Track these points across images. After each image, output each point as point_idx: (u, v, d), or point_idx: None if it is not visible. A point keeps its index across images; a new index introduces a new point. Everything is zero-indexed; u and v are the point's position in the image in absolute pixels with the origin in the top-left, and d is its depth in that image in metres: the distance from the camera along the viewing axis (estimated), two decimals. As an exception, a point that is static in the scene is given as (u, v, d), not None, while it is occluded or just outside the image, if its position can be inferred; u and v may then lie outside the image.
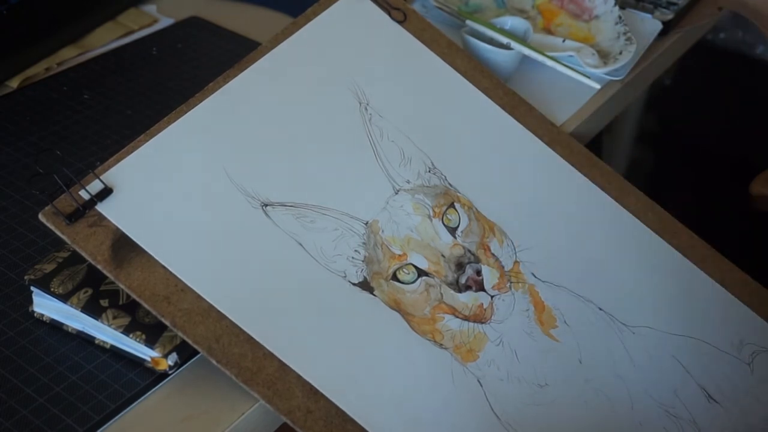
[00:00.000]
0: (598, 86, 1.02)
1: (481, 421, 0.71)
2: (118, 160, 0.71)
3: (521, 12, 1.12)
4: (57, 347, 0.71)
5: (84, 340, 0.72)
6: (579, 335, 0.78)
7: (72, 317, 0.71)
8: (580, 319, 0.79)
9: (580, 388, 0.75)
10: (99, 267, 0.66)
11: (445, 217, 0.79)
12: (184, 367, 0.70)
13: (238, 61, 0.81)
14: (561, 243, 0.83)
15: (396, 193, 0.79)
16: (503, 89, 0.92)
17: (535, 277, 0.79)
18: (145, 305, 0.66)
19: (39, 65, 1.04)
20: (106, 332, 0.70)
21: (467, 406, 0.71)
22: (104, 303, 0.70)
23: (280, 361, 0.67)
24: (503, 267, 0.79)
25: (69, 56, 1.07)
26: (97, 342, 0.71)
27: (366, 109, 0.83)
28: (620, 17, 1.10)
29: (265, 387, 0.66)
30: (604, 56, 1.06)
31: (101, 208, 0.68)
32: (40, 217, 0.66)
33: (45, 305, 0.72)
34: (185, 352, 0.70)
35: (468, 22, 1.03)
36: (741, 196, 1.38)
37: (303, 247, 0.73)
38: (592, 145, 0.98)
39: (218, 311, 0.67)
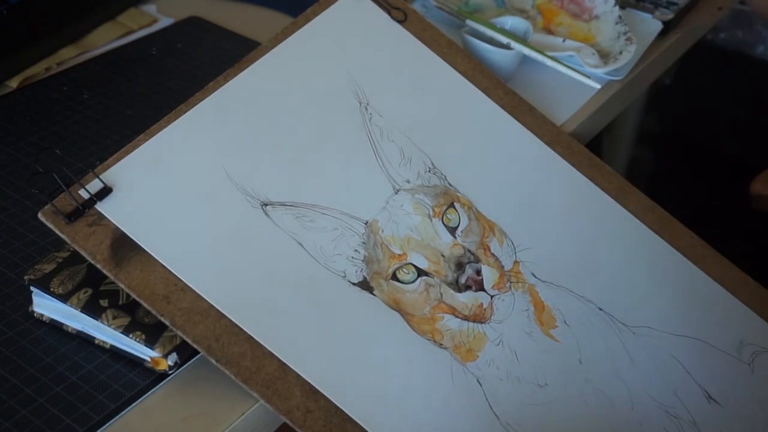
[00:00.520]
0: (598, 86, 1.02)
1: (481, 421, 0.71)
2: (118, 160, 0.71)
3: (521, 12, 1.12)
4: (57, 347, 0.71)
5: (84, 340, 0.72)
6: (579, 335, 0.78)
7: (72, 317, 0.71)
8: (580, 319, 0.79)
9: (580, 388, 0.75)
10: (98, 266, 0.66)
11: (445, 217, 0.79)
12: (184, 367, 0.70)
13: (238, 61, 0.81)
14: (561, 243, 0.83)
15: (396, 193, 0.79)
16: (503, 89, 0.92)
17: (535, 277, 0.79)
18: (145, 304, 0.66)
19: (39, 65, 1.04)
20: (105, 332, 0.70)
21: (467, 406, 0.71)
22: (104, 303, 0.70)
23: (279, 360, 0.67)
24: (503, 267, 0.79)
25: (69, 56, 1.07)
26: (96, 342, 0.71)
27: (366, 108, 0.83)
28: (620, 17, 1.10)
29: (265, 386, 0.66)
30: (604, 56, 1.06)
31: (101, 207, 0.68)
32: (40, 216, 0.66)
33: (45, 305, 0.72)
34: (185, 352, 0.70)
35: (468, 21, 1.03)
36: (741, 196, 1.38)
37: (303, 247, 0.73)
38: (592, 145, 0.98)
39: (218, 310, 0.67)
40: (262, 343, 0.67)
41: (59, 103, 0.99)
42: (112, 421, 0.66)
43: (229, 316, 0.67)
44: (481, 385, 0.72)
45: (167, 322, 0.66)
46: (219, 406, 0.68)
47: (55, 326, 0.72)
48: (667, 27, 1.14)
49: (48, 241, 0.80)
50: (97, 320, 0.70)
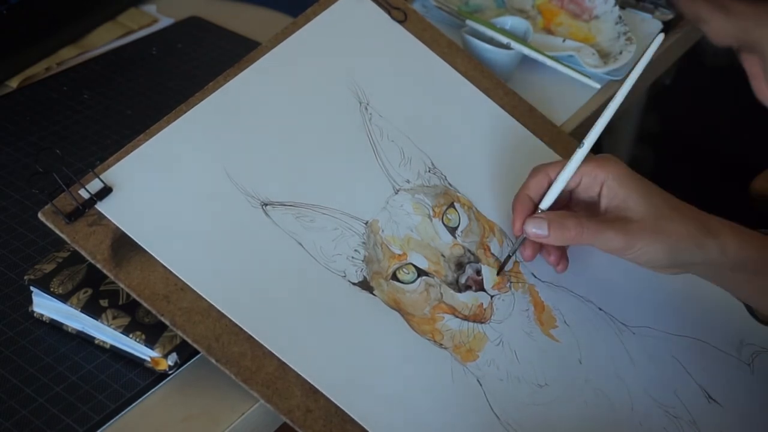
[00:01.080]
0: (598, 86, 1.02)
1: (481, 421, 0.71)
2: (118, 160, 0.71)
3: (521, 12, 1.12)
4: (57, 347, 0.71)
5: (84, 340, 0.72)
6: (579, 335, 0.78)
7: (72, 317, 0.71)
8: (580, 319, 0.79)
9: (580, 388, 0.75)
10: (98, 266, 0.66)
11: (445, 217, 0.79)
12: (183, 367, 0.70)
13: (238, 61, 0.81)
14: (561, 243, 0.83)
15: (396, 193, 0.79)
16: (503, 89, 0.92)
17: (535, 277, 0.79)
18: (145, 304, 0.66)
19: (39, 65, 1.04)
20: (105, 332, 0.70)
21: (467, 406, 0.71)
22: (104, 303, 0.70)
23: (279, 360, 0.67)
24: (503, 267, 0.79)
25: (69, 56, 1.07)
26: (96, 342, 0.71)
27: (366, 108, 0.83)
28: (620, 17, 1.10)
29: (265, 386, 0.66)
30: (604, 56, 1.06)
31: (101, 207, 0.68)
32: (40, 216, 0.66)
33: (45, 305, 0.72)
34: (185, 352, 0.70)
35: (468, 22, 1.03)
36: (741, 196, 1.38)
37: (303, 247, 0.73)
38: (592, 145, 0.98)
39: (218, 310, 0.67)
40: (262, 342, 0.67)
41: (59, 103, 0.99)
42: (112, 421, 0.66)
43: (229, 316, 0.67)
44: (481, 385, 0.72)
45: (167, 322, 0.66)
46: (219, 406, 0.68)
47: (55, 326, 0.72)
48: (667, 27, 1.15)
49: (48, 241, 0.80)
50: (97, 320, 0.70)
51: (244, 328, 0.67)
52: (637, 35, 1.09)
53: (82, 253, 0.66)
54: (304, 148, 0.79)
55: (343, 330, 0.71)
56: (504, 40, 1.00)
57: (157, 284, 0.67)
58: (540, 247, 0.77)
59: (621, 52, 1.05)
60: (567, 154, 0.90)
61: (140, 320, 0.70)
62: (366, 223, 0.76)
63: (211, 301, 0.67)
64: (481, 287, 0.76)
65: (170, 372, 0.70)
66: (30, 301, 0.73)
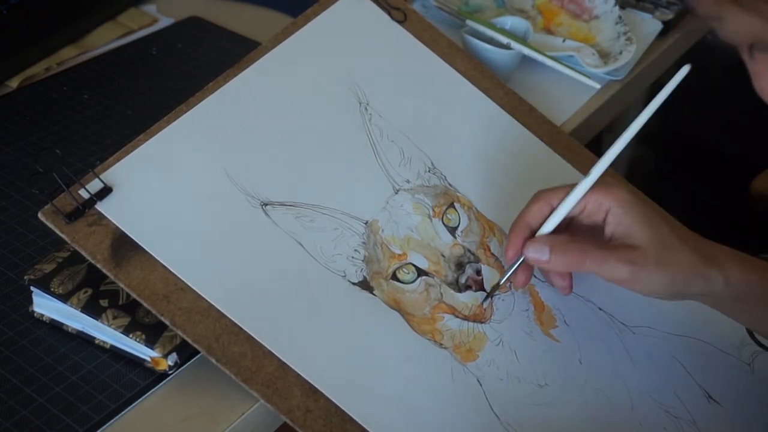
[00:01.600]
0: (598, 86, 1.02)
1: (481, 421, 0.71)
2: (118, 160, 0.71)
3: (521, 12, 1.12)
4: (57, 347, 0.71)
5: (84, 340, 0.72)
6: (579, 335, 0.78)
7: (72, 317, 0.71)
8: (580, 319, 0.79)
9: (580, 388, 0.75)
10: (98, 266, 0.66)
11: (444, 217, 0.79)
12: (184, 367, 0.70)
13: (238, 61, 0.81)
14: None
15: (396, 193, 0.79)
16: (503, 89, 0.92)
17: (535, 277, 0.79)
18: (145, 304, 0.66)
19: (39, 65, 1.04)
20: (106, 332, 0.70)
21: (467, 406, 0.71)
22: (104, 303, 0.70)
23: (279, 360, 0.67)
24: (503, 267, 0.79)
25: (69, 56, 1.07)
26: (97, 342, 0.71)
27: (366, 108, 0.83)
28: (620, 17, 1.10)
29: (265, 386, 0.66)
30: (604, 56, 1.06)
31: (101, 207, 0.68)
32: (40, 216, 0.66)
33: (45, 305, 0.72)
34: (185, 352, 0.70)
35: (468, 22, 1.03)
36: (741, 196, 1.38)
37: (303, 247, 0.73)
38: (592, 145, 0.98)
39: (218, 310, 0.67)
40: (262, 342, 0.67)
41: (59, 103, 0.99)
42: (112, 421, 0.66)
43: (229, 316, 0.67)
44: (481, 384, 0.72)
45: (167, 322, 0.66)
46: (219, 406, 0.68)
47: (55, 326, 0.72)
48: (667, 27, 1.15)
49: (48, 241, 0.80)
50: (97, 320, 0.70)
51: (244, 328, 0.67)
52: (637, 35, 1.09)
53: (82, 253, 0.66)
54: (304, 148, 0.79)
55: (343, 330, 0.71)
56: (504, 40, 1.00)
57: (157, 284, 0.67)
58: (531, 274, 0.75)
59: (621, 52, 1.05)
60: (567, 154, 0.90)
61: (140, 320, 0.70)
62: (366, 223, 0.76)
63: (211, 301, 0.67)
64: (481, 287, 0.76)
65: (170, 372, 0.70)
66: (30, 301, 0.73)
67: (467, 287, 0.76)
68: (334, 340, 0.70)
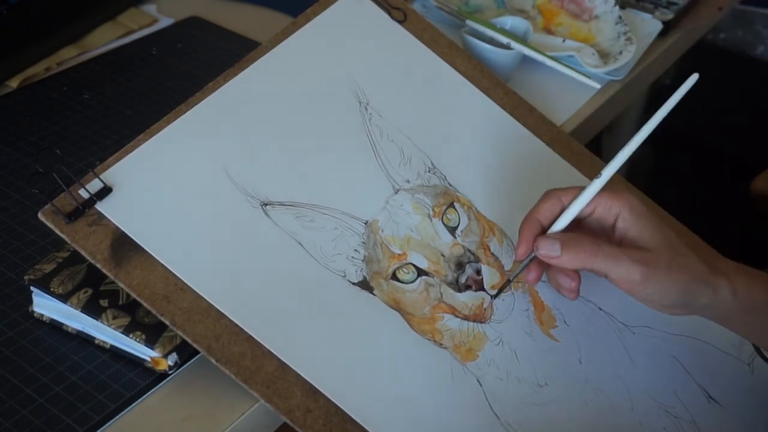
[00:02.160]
0: (598, 86, 1.02)
1: (481, 421, 0.71)
2: (118, 160, 0.71)
3: (521, 12, 1.12)
4: (57, 347, 0.71)
5: (84, 340, 0.72)
6: (579, 335, 0.78)
7: (72, 317, 0.71)
8: (580, 319, 0.79)
9: (580, 388, 0.75)
10: (98, 266, 0.66)
11: (444, 217, 0.79)
12: (184, 367, 0.70)
13: (238, 61, 0.81)
14: (561, 243, 0.83)
15: (396, 193, 0.79)
16: (503, 89, 0.92)
17: (535, 276, 0.79)
18: (145, 304, 0.66)
19: (39, 65, 1.04)
20: (105, 332, 0.70)
21: (467, 406, 0.71)
22: (104, 303, 0.70)
23: (279, 360, 0.67)
24: (503, 266, 0.79)
25: (69, 56, 1.07)
26: (97, 342, 0.71)
27: (366, 108, 0.83)
28: (620, 17, 1.10)
29: (265, 386, 0.66)
30: (604, 56, 1.06)
31: (101, 207, 0.68)
32: (40, 215, 0.66)
33: (45, 305, 0.72)
34: (185, 352, 0.70)
35: (468, 22, 1.03)
36: (741, 196, 1.38)
37: (302, 247, 0.73)
38: (592, 145, 0.98)
39: (218, 310, 0.67)
40: (262, 342, 0.67)
41: (59, 103, 0.99)
42: (112, 421, 0.66)
43: (229, 316, 0.67)
44: (481, 384, 0.72)
45: (167, 322, 0.66)
46: (219, 406, 0.68)
47: (55, 326, 0.72)
48: (667, 27, 1.15)
49: (48, 241, 0.80)
50: (97, 320, 0.70)
51: (244, 328, 0.67)
52: (637, 35, 1.09)
53: (82, 253, 0.66)
54: (304, 148, 0.79)
55: (343, 330, 0.71)
56: (504, 40, 1.00)
57: (157, 284, 0.67)
58: (542, 271, 0.75)
59: (621, 52, 1.05)
60: (567, 154, 0.90)
61: (140, 320, 0.70)
62: (366, 223, 0.76)
63: (211, 301, 0.67)
64: (481, 287, 0.76)
65: (170, 372, 0.70)
66: (30, 301, 0.73)
67: (467, 287, 0.76)
68: (334, 340, 0.70)
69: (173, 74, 1.05)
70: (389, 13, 0.91)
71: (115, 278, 0.66)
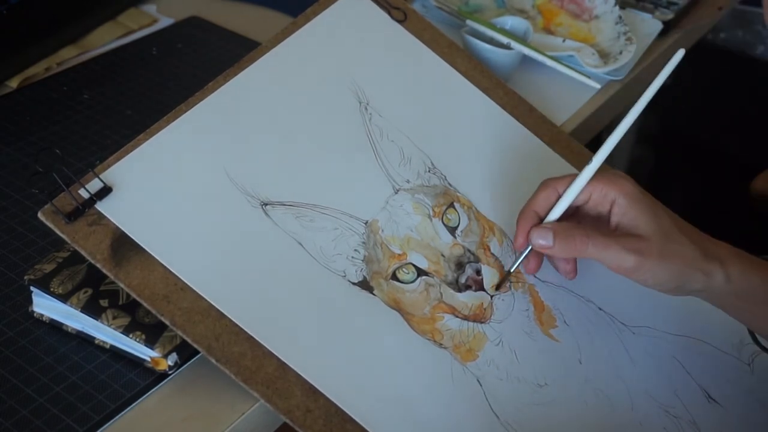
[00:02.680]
0: (598, 86, 1.02)
1: (481, 421, 0.71)
2: (118, 159, 0.71)
3: (521, 12, 1.12)
4: (57, 347, 0.71)
5: (84, 340, 0.72)
6: (579, 335, 0.78)
7: (72, 317, 0.71)
8: (580, 319, 0.79)
9: (580, 388, 0.75)
10: (98, 266, 0.66)
11: (444, 217, 0.79)
12: (184, 367, 0.70)
13: (238, 61, 0.81)
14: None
15: (396, 193, 0.79)
16: (503, 89, 0.92)
17: (535, 276, 0.79)
18: (145, 304, 0.66)
19: (39, 65, 1.04)
20: (105, 332, 0.70)
21: (466, 406, 0.71)
22: (104, 303, 0.70)
23: (279, 360, 0.67)
24: (503, 267, 0.79)
25: (69, 56, 1.07)
26: (96, 342, 0.71)
27: (366, 108, 0.83)
28: (620, 17, 1.10)
29: (265, 386, 0.66)
30: (604, 56, 1.06)
31: (101, 206, 0.68)
32: (40, 215, 0.66)
33: (45, 305, 0.72)
34: (185, 352, 0.70)
35: (468, 21, 1.03)
36: (741, 196, 1.38)
37: (302, 247, 0.73)
38: (592, 145, 0.98)
39: (218, 310, 0.67)
40: (262, 342, 0.67)
41: (59, 103, 0.99)
42: (112, 421, 0.66)
43: (229, 316, 0.67)
44: (481, 384, 0.72)
45: (167, 322, 0.66)
46: (219, 406, 0.68)
47: (55, 326, 0.72)
48: (667, 27, 1.15)
49: (48, 241, 0.80)
50: (97, 320, 0.70)
51: (244, 328, 0.67)
52: (637, 35, 1.09)
53: (82, 253, 0.66)
54: (304, 148, 0.79)
55: (343, 330, 0.71)
56: (504, 40, 1.00)
57: (157, 284, 0.67)
58: (541, 260, 0.77)
59: (621, 52, 1.05)
60: (567, 154, 0.90)
61: (140, 320, 0.70)
62: (366, 223, 0.76)
63: (211, 301, 0.67)
64: (481, 287, 0.76)
65: (170, 372, 0.70)
66: (30, 301, 0.73)
67: (467, 287, 0.76)
68: (334, 339, 0.70)
69: (173, 74, 1.05)
70: (389, 13, 0.91)
71: (115, 278, 0.66)
